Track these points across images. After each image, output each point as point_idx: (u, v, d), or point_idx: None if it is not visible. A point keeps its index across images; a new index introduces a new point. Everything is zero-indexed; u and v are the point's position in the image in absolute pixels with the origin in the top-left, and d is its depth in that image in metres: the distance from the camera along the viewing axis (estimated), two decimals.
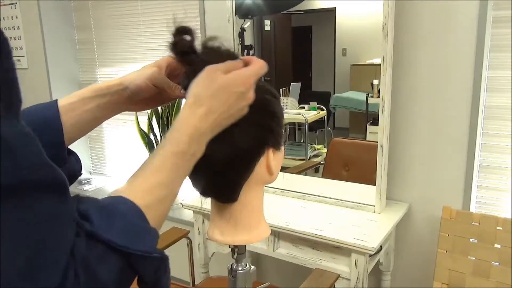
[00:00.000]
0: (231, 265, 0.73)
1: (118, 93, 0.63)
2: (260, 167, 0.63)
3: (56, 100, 0.61)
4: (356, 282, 1.51)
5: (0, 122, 0.33)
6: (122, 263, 0.41)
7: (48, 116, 0.59)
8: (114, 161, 2.97)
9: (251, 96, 0.56)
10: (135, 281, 0.44)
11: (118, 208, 0.43)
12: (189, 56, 0.58)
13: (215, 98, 0.52)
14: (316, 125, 2.21)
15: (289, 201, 1.87)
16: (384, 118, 1.62)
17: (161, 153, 0.50)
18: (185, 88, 0.58)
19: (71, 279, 0.36)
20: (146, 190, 0.47)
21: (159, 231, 0.47)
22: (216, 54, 0.57)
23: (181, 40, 0.57)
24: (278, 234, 1.68)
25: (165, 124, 2.36)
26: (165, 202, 0.49)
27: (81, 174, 0.63)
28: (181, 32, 0.57)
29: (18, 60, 2.91)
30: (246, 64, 0.57)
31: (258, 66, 0.56)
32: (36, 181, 0.35)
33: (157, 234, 0.46)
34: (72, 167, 0.61)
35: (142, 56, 2.53)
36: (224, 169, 0.60)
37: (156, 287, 0.46)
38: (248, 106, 0.56)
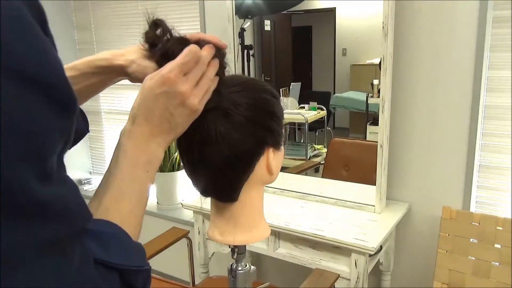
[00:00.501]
0: (231, 265, 0.73)
1: (119, 71, 0.62)
2: (260, 167, 0.63)
3: None
4: (356, 282, 1.51)
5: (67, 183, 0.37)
6: (119, 280, 0.44)
7: None
8: None
9: (182, 90, 0.52)
10: None
11: (107, 231, 0.46)
12: (154, 47, 0.58)
13: (142, 108, 0.53)
14: (316, 125, 2.21)
15: (289, 201, 1.87)
16: (384, 118, 1.62)
17: (114, 173, 0.51)
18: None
19: None
20: (114, 207, 0.49)
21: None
22: (174, 42, 0.56)
23: (147, 33, 0.58)
24: (278, 234, 1.68)
25: None
26: (136, 214, 0.51)
27: (89, 131, 0.62)
28: (153, 25, 0.58)
29: None
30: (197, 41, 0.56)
31: (182, 56, 0.53)
32: (81, 230, 0.39)
33: (142, 248, 0.49)
34: (78, 127, 0.62)
35: None
36: (224, 169, 0.60)
37: None
38: (191, 104, 0.53)
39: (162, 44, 0.56)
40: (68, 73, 0.61)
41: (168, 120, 0.53)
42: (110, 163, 0.52)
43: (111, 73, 0.63)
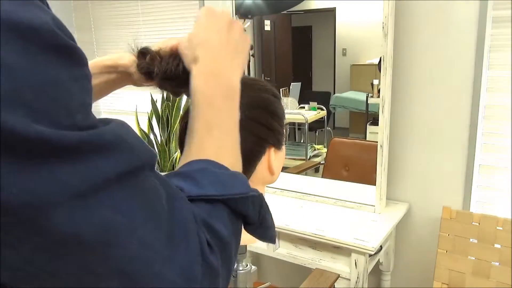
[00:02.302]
0: None
1: (124, 73, 0.63)
2: (261, 167, 0.63)
3: None
4: (356, 282, 1.51)
5: (113, 122, 0.35)
6: (227, 212, 0.42)
7: None
8: None
9: (220, 12, 0.54)
10: None
11: (196, 167, 0.44)
12: (152, 74, 0.57)
13: (197, 45, 0.51)
14: (316, 125, 2.21)
15: (289, 201, 1.87)
16: (384, 118, 1.62)
17: (195, 116, 0.49)
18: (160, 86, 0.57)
19: (204, 241, 0.38)
20: (203, 147, 0.47)
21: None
22: (168, 60, 0.56)
23: (138, 65, 0.57)
24: (278, 234, 1.68)
25: (165, 124, 2.36)
26: (227, 146, 0.49)
27: None
28: (141, 55, 0.57)
29: None
30: None
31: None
32: (146, 163, 0.37)
33: (244, 176, 0.46)
34: None
35: None
36: None
37: (264, 225, 0.47)
38: (237, 23, 0.54)
39: (157, 68, 0.56)
40: None
41: (228, 41, 0.52)
42: (191, 109, 0.50)
43: (116, 73, 0.63)
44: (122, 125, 0.37)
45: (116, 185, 0.33)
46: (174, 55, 0.56)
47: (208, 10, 0.53)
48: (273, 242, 0.50)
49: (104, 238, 0.32)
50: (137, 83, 0.67)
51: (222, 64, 0.51)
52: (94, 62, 0.63)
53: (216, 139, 0.48)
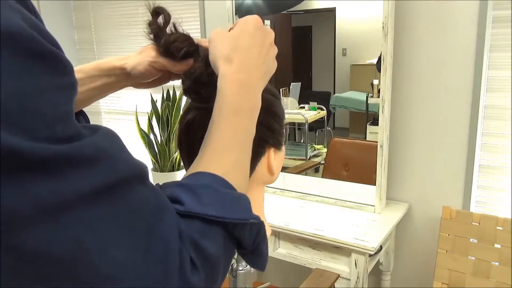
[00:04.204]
0: (232, 265, 0.73)
1: (122, 75, 0.63)
2: (261, 167, 0.62)
3: None
4: (356, 282, 1.51)
5: (98, 132, 0.34)
6: (223, 234, 0.41)
7: None
8: None
9: (269, 30, 0.54)
10: None
11: (201, 182, 0.43)
12: (159, 39, 0.58)
13: (238, 47, 0.51)
14: (316, 125, 2.21)
15: (289, 201, 1.87)
16: (384, 118, 1.62)
17: (216, 119, 0.48)
18: (186, 88, 0.58)
19: (187, 259, 0.37)
20: (217, 159, 0.46)
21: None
22: (177, 38, 0.57)
23: (150, 24, 0.58)
24: (278, 234, 1.68)
25: (165, 124, 2.36)
26: (241, 164, 0.48)
27: None
28: (154, 14, 0.58)
29: None
30: None
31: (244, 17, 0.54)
32: (130, 175, 0.35)
33: (248, 199, 0.45)
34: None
35: None
36: None
37: (256, 252, 0.46)
38: (273, 42, 0.55)
39: (165, 38, 0.57)
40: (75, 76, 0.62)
41: (264, 60, 0.52)
42: (214, 112, 0.49)
43: (115, 76, 0.63)
44: (107, 135, 0.36)
45: (91, 201, 0.32)
46: (186, 37, 0.57)
47: (259, 21, 0.53)
48: (262, 270, 0.49)
49: (73, 256, 0.31)
50: (135, 85, 0.67)
51: (254, 79, 0.51)
52: (94, 64, 0.63)
53: (232, 154, 0.47)
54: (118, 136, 0.37)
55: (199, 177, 0.44)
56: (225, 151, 0.47)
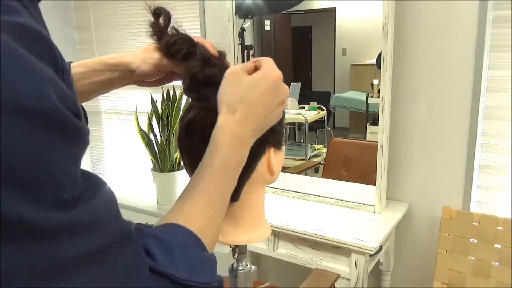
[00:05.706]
0: (232, 265, 0.73)
1: (126, 72, 0.64)
2: (261, 167, 0.62)
3: (70, 63, 0.61)
4: (356, 282, 1.51)
5: (98, 196, 0.35)
6: None
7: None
8: (114, 161, 2.97)
9: (285, 89, 0.54)
10: None
11: (177, 240, 0.44)
12: (162, 40, 0.59)
13: (246, 100, 0.51)
14: (316, 125, 2.21)
15: (289, 201, 1.87)
16: (384, 118, 1.62)
17: (204, 170, 0.49)
18: (186, 87, 0.58)
19: None
20: (197, 212, 0.48)
21: (213, 252, 0.49)
22: (178, 39, 0.58)
23: (152, 26, 0.59)
24: (278, 234, 1.68)
25: (165, 124, 2.36)
26: (215, 221, 0.50)
27: (89, 130, 0.64)
28: (155, 15, 0.59)
29: None
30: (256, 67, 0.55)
31: (270, 62, 0.54)
32: (119, 239, 0.37)
33: (215, 260, 0.47)
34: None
35: None
36: None
37: None
38: (284, 101, 0.54)
39: (165, 40, 0.58)
40: (78, 69, 0.63)
41: (266, 118, 0.53)
42: (204, 158, 0.50)
43: (119, 72, 0.64)
44: (106, 203, 0.37)
45: (82, 264, 0.33)
46: (188, 38, 0.57)
47: (279, 79, 0.53)
48: None
49: None
50: (138, 83, 0.67)
51: (249, 134, 0.52)
52: (99, 59, 0.64)
53: (212, 210, 0.49)
54: (115, 200, 0.38)
55: (176, 233, 0.45)
56: (206, 206, 0.48)
